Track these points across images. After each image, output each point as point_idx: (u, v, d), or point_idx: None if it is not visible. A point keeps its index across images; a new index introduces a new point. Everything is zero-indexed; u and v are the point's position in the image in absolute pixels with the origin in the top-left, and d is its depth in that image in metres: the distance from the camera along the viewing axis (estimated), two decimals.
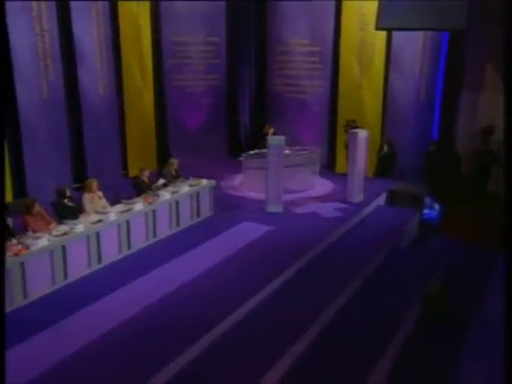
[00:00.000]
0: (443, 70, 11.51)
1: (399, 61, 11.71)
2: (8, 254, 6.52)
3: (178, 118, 13.24)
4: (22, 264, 6.63)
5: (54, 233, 7.22)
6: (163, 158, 12.81)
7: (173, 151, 12.91)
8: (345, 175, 11.56)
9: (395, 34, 11.54)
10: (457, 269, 8.19)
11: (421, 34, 11.34)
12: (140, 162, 12.20)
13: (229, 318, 6.43)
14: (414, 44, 11.50)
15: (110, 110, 11.77)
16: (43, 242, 6.90)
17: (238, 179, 11.42)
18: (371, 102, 12.16)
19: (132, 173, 12.25)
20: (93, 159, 11.34)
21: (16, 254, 6.55)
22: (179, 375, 5.47)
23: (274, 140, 9.64)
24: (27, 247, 6.68)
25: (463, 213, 9.32)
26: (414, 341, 6.58)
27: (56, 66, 10.51)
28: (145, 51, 12.39)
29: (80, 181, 10.83)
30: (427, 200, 9.68)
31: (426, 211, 9.63)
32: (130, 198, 8.65)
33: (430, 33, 11.31)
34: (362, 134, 10.07)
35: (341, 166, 12.46)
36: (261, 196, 10.21)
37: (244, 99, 13.71)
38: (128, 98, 12.14)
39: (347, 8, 11.94)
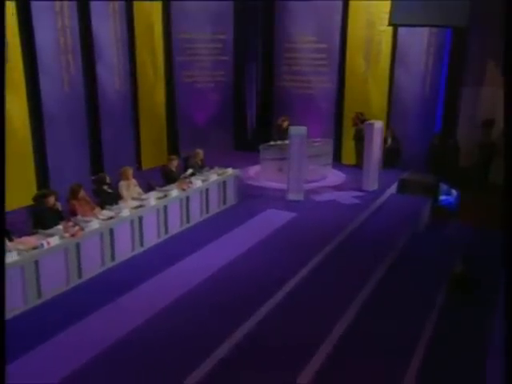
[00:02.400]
0: (446, 66, 12.11)
1: (404, 57, 12.27)
2: (66, 234, 6.82)
3: (186, 112, 13.56)
4: (78, 245, 6.91)
5: (100, 217, 7.50)
6: (174, 151, 13.16)
7: (181, 145, 13.30)
8: (352, 166, 12.21)
9: (401, 31, 12.11)
10: (475, 251, 8.65)
11: (425, 31, 11.93)
12: (152, 155, 12.59)
13: (269, 301, 6.67)
14: (418, 41, 12.07)
15: (125, 105, 12.05)
16: (94, 224, 7.18)
17: (254, 170, 11.80)
18: (377, 96, 12.70)
19: (145, 165, 12.58)
20: (109, 151, 11.60)
21: (73, 235, 6.82)
22: (223, 361, 5.60)
23: (296, 130, 10.06)
24: (83, 229, 6.96)
25: (479, 199, 9.84)
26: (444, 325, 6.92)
27: (76, 61, 10.75)
28: (157, 48, 12.71)
29: (97, 172, 11.11)
30: (444, 186, 10.19)
31: (443, 197, 10.13)
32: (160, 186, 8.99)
33: (434, 30, 11.89)
34: (378, 124, 10.57)
35: (347, 157, 12.98)
36: (278, 185, 10.66)
37: (251, 95, 14.15)
38: (141, 93, 12.44)
39: (354, 6, 12.46)
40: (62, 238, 6.76)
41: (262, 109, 14.22)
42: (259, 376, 5.42)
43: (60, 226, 7.08)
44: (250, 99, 14.18)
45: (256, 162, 11.96)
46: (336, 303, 6.79)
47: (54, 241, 6.61)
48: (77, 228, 6.88)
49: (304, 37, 13.20)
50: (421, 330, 6.55)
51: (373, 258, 8.11)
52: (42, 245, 6.46)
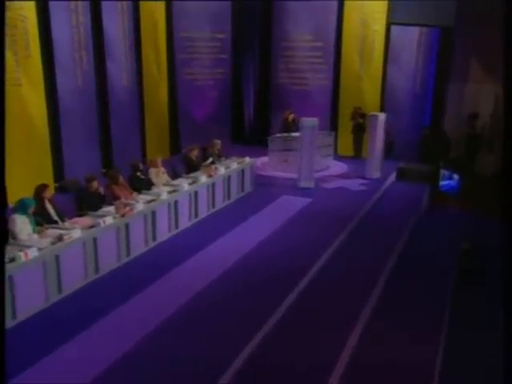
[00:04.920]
0: (435, 64, 12.99)
1: (396, 55, 13.11)
2: (117, 214, 7.23)
3: (186, 108, 14.01)
4: (127, 225, 7.32)
5: (141, 201, 7.91)
6: (176, 145, 13.62)
7: (182, 139, 13.74)
8: (349, 157, 12.96)
9: (393, 31, 12.93)
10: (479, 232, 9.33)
11: (416, 31, 12.79)
12: (156, 150, 12.96)
13: (305, 278, 7.05)
14: (410, 40, 12.93)
15: (131, 100, 12.43)
16: (140, 206, 7.60)
17: (260, 161, 12.36)
18: (371, 92, 13.48)
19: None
20: (117, 145, 11.96)
21: (123, 215, 7.24)
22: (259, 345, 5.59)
23: (308, 122, 10.68)
24: (132, 209, 7.38)
25: (472, 186, 10.61)
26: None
27: (88, 57, 11.09)
28: (160, 46, 13.13)
29: (107, 165, 11.47)
30: (445, 172, 10.92)
31: (444, 182, 10.84)
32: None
33: (424, 30, 12.77)
34: (381, 117, 11.30)
35: (343, 149, 13.66)
36: (286, 175, 11.27)
37: (248, 92, 14.72)
38: (146, 89, 12.82)
39: (349, 6, 13.22)
40: (113, 218, 7.16)
41: (259, 105, 14.80)
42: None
43: (105, 208, 7.50)
44: (247, 96, 14.76)
45: (254, 155, 12.44)
46: (360, 287, 6.94)
47: (108, 220, 7.01)
48: (127, 208, 7.30)
49: (301, 36, 13.88)
50: (441, 317, 6.48)
51: (388, 238, 8.67)
52: (99, 223, 6.86)
